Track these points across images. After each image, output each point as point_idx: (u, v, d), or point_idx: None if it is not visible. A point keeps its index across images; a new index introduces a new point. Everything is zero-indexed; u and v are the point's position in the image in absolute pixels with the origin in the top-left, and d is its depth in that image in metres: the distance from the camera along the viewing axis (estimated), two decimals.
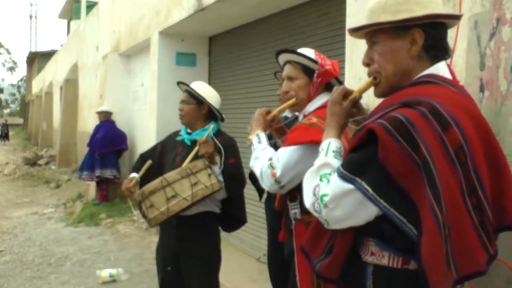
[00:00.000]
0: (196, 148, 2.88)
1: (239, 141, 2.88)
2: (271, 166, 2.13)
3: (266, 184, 2.17)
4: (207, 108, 3.12)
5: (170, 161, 3.09)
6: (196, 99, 3.09)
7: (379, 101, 1.67)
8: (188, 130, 3.15)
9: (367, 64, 1.66)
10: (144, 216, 3.03)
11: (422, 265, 1.33)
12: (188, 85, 3.12)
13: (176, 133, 3.26)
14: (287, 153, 2.12)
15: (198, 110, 3.10)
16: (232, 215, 3.14)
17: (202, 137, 2.91)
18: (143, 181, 3.08)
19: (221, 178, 2.92)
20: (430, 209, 1.32)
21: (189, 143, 3.07)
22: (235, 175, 2.99)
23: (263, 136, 2.29)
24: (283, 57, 2.42)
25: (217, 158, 2.94)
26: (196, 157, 2.90)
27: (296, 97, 2.32)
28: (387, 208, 1.36)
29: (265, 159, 2.18)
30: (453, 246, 1.37)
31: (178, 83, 3.23)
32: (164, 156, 3.19)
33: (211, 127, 3.01)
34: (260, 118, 2.36)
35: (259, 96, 5.62)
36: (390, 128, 1.35)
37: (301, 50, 2.37)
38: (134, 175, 3.14)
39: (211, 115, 3.15)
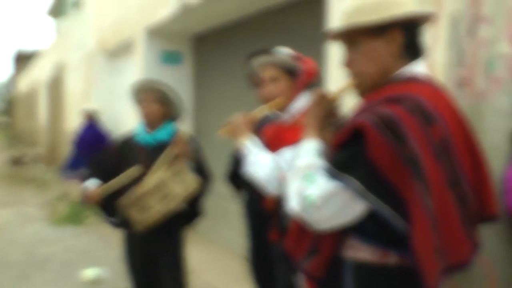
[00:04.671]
0: (171, 147, 2.92)
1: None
2: (278, 168, 2.10)
3: (275, 186, 2.12)
4: (170, 106, 3.15)
5: (136, 164, 3.05)
6: (164, 98, 3.10)
7: (356, 100, 1.68)
8: (148, 129, 3.14)
9: (347, 65, 1.67)
10: (121, 222, 3.08)
11: (415, 257, 1.34)
12: (158, 84, 3.13)
13: (129, 136, 3.25)
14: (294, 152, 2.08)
15: (163, 109, 3.12)
16: (194, 210, 3.22)
17: (165, 135, 3.03)
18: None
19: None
20: (420, 202, 1.33)
21: (154, 142, 3.08)
22: (205, 171, 3.11)
23: (256, 139, 2.27)
24: (260, 59, 2.40)
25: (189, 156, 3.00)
26: (168, 155, 2.93)
27: (281, 97, 2.31)
28: (378, 203, 1.37)
29: (268, 162, 2.13)
30: (441, 238, 1.39)
31: (141, 84, 3.17)
32: (123, 159, 3.13)
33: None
34: (246, 122, 2.33)
35: (245, 95, 5.60)
36: (378, 123, 1.36)
37: (278, 50, 2.35)
38: (93, 182, 3.08)
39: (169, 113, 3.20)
